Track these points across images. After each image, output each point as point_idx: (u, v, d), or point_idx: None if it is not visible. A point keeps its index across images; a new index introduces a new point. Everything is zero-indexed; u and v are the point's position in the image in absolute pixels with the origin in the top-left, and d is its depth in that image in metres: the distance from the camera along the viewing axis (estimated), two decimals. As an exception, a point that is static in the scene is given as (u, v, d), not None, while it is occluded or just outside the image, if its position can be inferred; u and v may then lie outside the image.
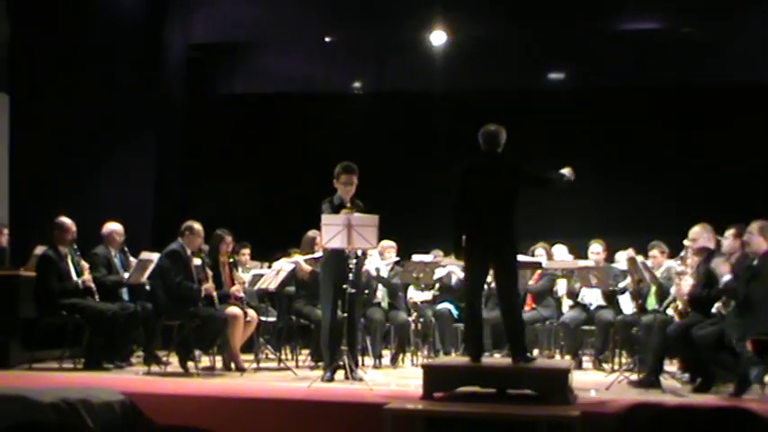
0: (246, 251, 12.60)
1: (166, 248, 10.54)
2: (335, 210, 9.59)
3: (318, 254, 10.55)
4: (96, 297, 10.70)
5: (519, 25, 14.87)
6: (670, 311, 9.84)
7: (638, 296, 10.88)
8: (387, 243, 12.11)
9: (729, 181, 14.86)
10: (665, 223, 12.67)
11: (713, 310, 9.22)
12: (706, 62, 15.17)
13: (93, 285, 10.70)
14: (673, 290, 9.95)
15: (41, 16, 13.49)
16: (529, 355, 8.54)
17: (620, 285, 11.49)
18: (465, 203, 8.38)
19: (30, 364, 10.53)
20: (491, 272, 8.56)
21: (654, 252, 11.24)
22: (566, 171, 8.63)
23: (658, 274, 10.69)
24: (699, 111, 15.40)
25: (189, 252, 10.49)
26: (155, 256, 10.85)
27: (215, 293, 10.43)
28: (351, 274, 9.34)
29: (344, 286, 9.39)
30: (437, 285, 12.42)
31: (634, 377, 9.73)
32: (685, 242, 9.93)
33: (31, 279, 10.87)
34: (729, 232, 9.64)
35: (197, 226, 10.62)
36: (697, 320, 9.13)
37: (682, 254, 9.94)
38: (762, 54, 15.01)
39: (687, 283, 9.60)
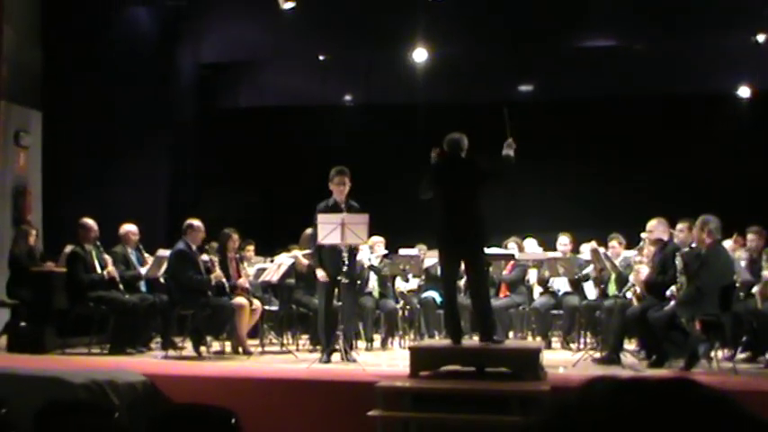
0: (251, 247, 12.64)
1: (173, 249, 10.60)
2: (330, 210, 9.63)
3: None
4: (120, 286, 10.76)
5: (491, 43, 14.88)
6: (629, 295, 9.88)
7: (601, 283, 10.93)
8: (376, 238, 12.12)
9: (681, 180, 14.92)
10: (624, 218, 12.70)
11: (667, 293, 9.28)
12: (656, 75, 15.21)
13: (116, 276, 10.79)
14: (631, 277, 10.00)
15: (70, 42, 13.57)
16: (496, 337, 8.56)
17: (585, 272, 11.54)
18: (434, 203, 8.42)
19: (62, 350, 10.58)
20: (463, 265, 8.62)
21: (613, 243, 11.29)
22: (506, 150, 8.59)
23: (617, 262, 10.73)
24: (652, 118, 15.44)
25: (194, 247, 10.53)
26: (168, 253, 10.89)
27: (224, 279, 10.47)
28: (344, 267, 9.37)
29: (339, 277, 9.43)
30: (423, 276, 12.43)
31: (597, 355, 9.78)
32: (643, 234, 9.98)
33: (62, 274, 10.96)
34: (682, 226, 9.71)
35: (196, 222, 10.67)
36: (652, 304, 9.19)
37: (640, 244, 9.99)
38: (706, 67, 15.06)
39: (644, 271, 9.66)
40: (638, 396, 1.00)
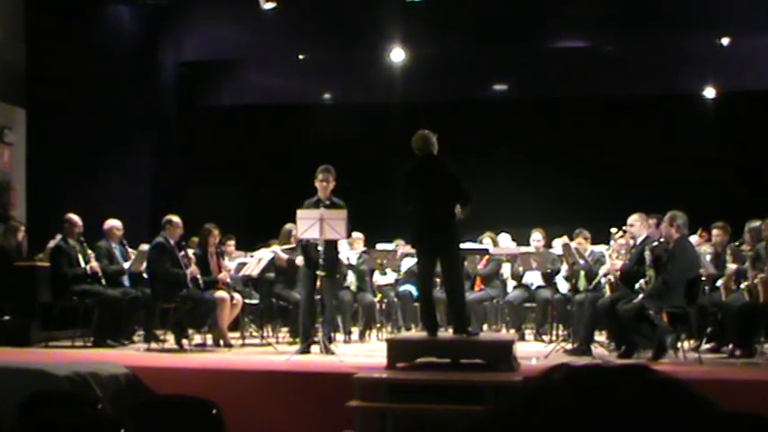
0: (231, 242, 12.62)
1: (152, 242, 10.61)
2: (312, 206, 9.67)
3: (293, 245, 10.64)
4: (103, 281, 10.75)
5: (466, 44, 14.92)
6: (604, 281, 9.94)
7: (572, 277, 11.00)
8: (356, 234, 12.16)
9: (649, 177, 15.02)
10: (594, 214, 12.80)
11: (636, 286, 9.36)
12: (626, 75, 15.32)
13: (99, 271, 10.78)
14: (603, 269, 10.07)
15: (53, 40, 13.51)
16: (471, 330, 8.61)
17: (557, 265, 11.63)
18: (410, 202, 8.46)
19: (47, 343, 10.55)
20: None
21: (579, 239, 11.37)
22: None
23: (585, 256, 10.83)
24: (622, 117, 15.53)
25: (172, 242, 10.53)
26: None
27: (199, 275, 10.47)
28: (321, 260, 9.39)
29: (317, 271, 9.45)
30: (403, 271, 12.48)
31: (569, 346, 9.85)
32: (612, 229, 10.07)
33: (46, 269, 10.96)
34: (651, 222, 9.82)
35: (175, 218, 10.67)
36: (623, 296, 9.25)
37: (619, 234, 10.02)
38: (673, 69, 15.19)
39: (619, 262, 9.75)
40: (593, 381, 1.04)
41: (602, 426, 1.00)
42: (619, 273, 9.65)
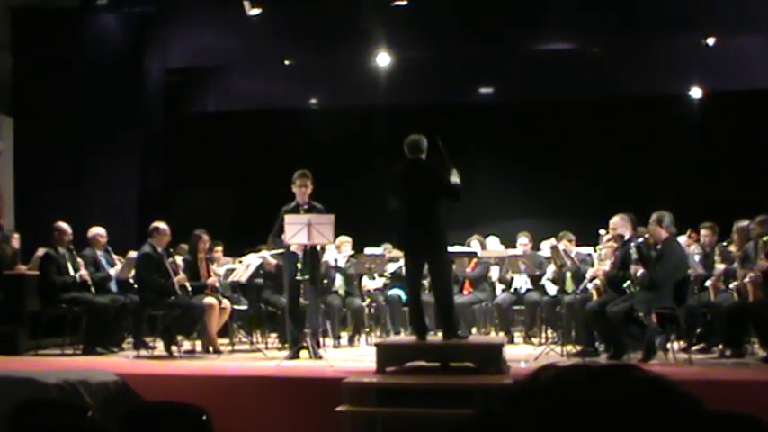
0: (219, 248, 12.62)
1: (139, 252, 10.60)
2: (292, 211, 9.67)
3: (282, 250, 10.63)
4: (92, 289, 10.73)
5: (452, 47, 14.95)
6: (590, 287, 9.96)
7: (560, 279, 11.03)
8: (343, 238, 12.15)
9: (636, 178, 15.08)
10: (581, 216, 12.87)
11: (624, 286, 9.39)
12: (612, 77, 15.36)
13: (89, 279, 10.76)
14: (590, 272, 10.09)
15: (40, 48, 13.54)
16: (460, 333, 8.62)
17: (545, 270, 11.65)
18: (397, 205, 8.47)
19: (36, 351, 10.53)
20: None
21: (564, 241, 11.39)
22: (453, 178, 8.58)
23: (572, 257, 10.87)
24: (608, 119, 15.56)
25: (160, 250, 10.51)
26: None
27: (187, 283, 10.46)
28: (299, 264, 9.38)
29: (297, 276, 9.43)
30: (388, 274, 12.48)
31: (569, 349, 9.78)
32: (601, 231, 10.09)
33: (34, 277, 10.94)
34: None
35: (162, 226, 10.66)
36: (612, 298, 9.27)
37: (608, 236, 10.04)
38: (659, 69, 15.23)
39: (605, 266, 9.77)
40: (580, 380, 1.04)
41: (590, 425, 1.01)
42: (604, 278, 9.67)
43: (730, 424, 1.09)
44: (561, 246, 10.80)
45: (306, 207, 9.76)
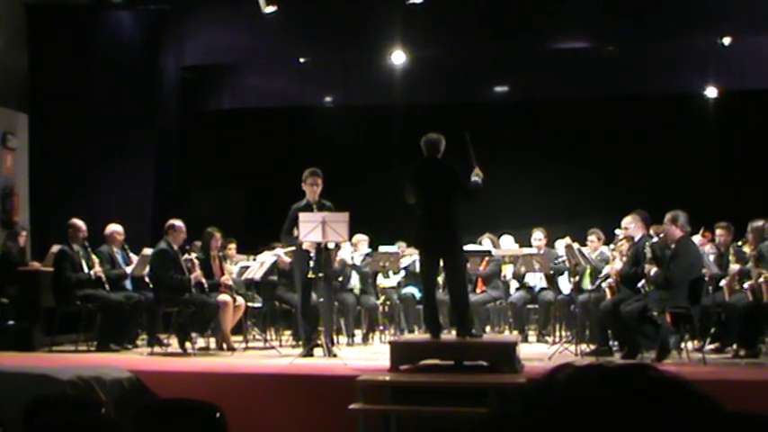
0: (233, 246, 12.63)
1: (155, 249, 10.61)
2: (303, 209, 9.66)
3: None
4: (106, 286, 10.75)
5: (467, 45, 14.90)
6: (604, 285, 9.94)
7: (575, 277, 10.99)
8: (360, 237, 12.15)
9: (651, 177, 15.01)
10: (596, 214, 12.83)
11: (639, 285, 9.36)
12: (627, 75, 15.31)
13: (103, 276, 10.78)
14: (606, 269, 10.07)
15: (55, 46, 13.60)
16: (474, 332, 8.61)
17: (559, 265, 11.61)
18: (413, 200, 8.47)
19: (50, 347, 10.57)
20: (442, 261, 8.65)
21: (591, 238, 11.37)
22: (475, 177, 8.59)
23: (595, 256, 10.83)
24: (623, 117, 15.51)
25: (176, 247, 10.53)
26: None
27: (203, 279, 10.47)
28: (311, 263, 9.37)
29: (309, 275, 9.43)
30: (402, 272, 12.48)
31: (584, 348, 9.76)
32: (617, 231, 10.07)
33: (49, 273, 10.96)
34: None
35: (178, 223, 10.67)
36: (625, 297, 9.24)
37: (618, 239, 10.02)
38: (674, 68, 15.18)
39: (618, 264, 9.74)
40: (596, 380, 1.04)
41: (606, 425, 1.00)
42: (617, 277, 9.64)
43: (749, 425, 1.08)
44: (576, 245, 10.77)
45: (317, 205, 9.75)
